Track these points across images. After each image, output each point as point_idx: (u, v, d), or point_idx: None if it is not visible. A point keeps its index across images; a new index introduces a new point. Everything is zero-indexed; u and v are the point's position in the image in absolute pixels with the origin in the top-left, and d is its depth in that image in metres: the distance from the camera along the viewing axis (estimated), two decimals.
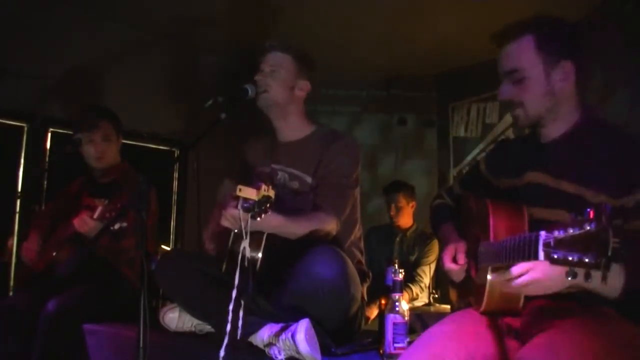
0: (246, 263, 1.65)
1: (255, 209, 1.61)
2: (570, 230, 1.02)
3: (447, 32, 3.91)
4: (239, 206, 1.64)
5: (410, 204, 3.85)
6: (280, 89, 2.15)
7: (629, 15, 3.18)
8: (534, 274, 1.23)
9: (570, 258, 1.02)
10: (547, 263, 1.08)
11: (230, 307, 1.58)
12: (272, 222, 1.79)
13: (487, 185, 1.73)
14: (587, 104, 1.54)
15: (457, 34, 3.87)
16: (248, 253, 1.66)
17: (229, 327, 1.59)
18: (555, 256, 1.04)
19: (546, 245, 1.06)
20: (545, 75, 1.48)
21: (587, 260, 1.00)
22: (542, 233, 1.08)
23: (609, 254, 0.98)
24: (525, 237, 1.18)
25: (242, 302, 1.63)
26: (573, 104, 1.51)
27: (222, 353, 1.59)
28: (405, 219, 3.85)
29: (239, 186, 1.60)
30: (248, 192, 1.60)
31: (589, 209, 1.02)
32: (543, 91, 1.48)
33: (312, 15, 3.77)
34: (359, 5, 3.64)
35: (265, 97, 2.13)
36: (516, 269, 1.23)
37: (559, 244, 1.04)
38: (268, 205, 1.62)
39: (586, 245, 1.00)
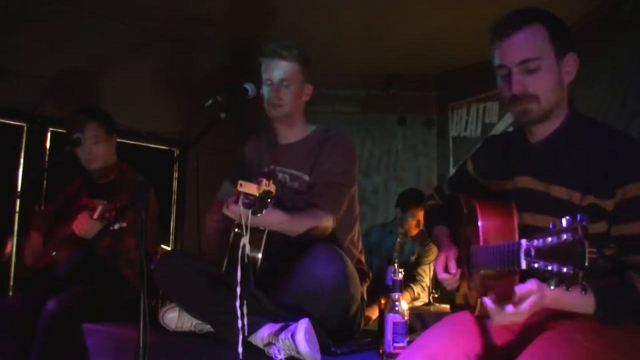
0: (246, 260, 1.63)
1: (256, 204, 1.59)
2: (549, 239, 1.02)
3: (446, 32, 3.90)
4: (240, 202, 1.63)
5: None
6: (293, 101, 2.18)
7: (628, 15, 3.17)
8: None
9: (549, 268, 1.01)
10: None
11: (237, 304, 1.57)
12: (273, 218, 1.80)
13: (476, 185, 1.69)
14: (571, 100, 1.49)
15: (457, 33, 3.86)
16: (248, 250, 1.65)
17: (239, 323, 1.58)
18: (536, 265, 1.03)
19: (526, 253, 1.06)
20: (557, 67, 1.41)
21: (565, 270, 1.00)
22: (523, 241, 1.08)
23: (586, 264, 0.98)
24: (508, 245, 1.18)
25: (245, 300, 1.61)
26: (564, 100, 1.46)
27: (240, 349, 1.58)
28: None
29: (240, 181, 1.58)
30: (249, 188, 1.58)
31: (566, 217, 1.02)
32: (557, 83, 1.41)
33: (311, 14, 3.77)
34: (359, 5, 3.64)
35: (280, 112, 2.16)
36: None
37: (539, 253, 1.04)
38: (269, 200, 1.61)
39: (564, 256, 1.00)
